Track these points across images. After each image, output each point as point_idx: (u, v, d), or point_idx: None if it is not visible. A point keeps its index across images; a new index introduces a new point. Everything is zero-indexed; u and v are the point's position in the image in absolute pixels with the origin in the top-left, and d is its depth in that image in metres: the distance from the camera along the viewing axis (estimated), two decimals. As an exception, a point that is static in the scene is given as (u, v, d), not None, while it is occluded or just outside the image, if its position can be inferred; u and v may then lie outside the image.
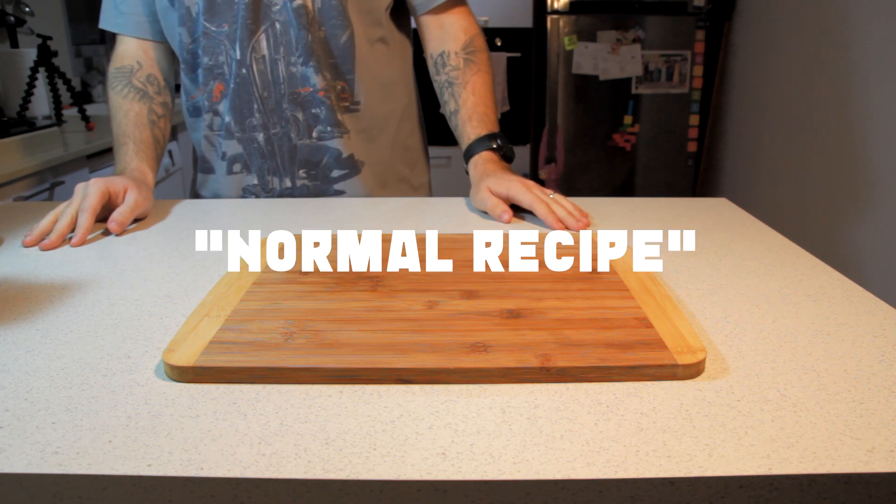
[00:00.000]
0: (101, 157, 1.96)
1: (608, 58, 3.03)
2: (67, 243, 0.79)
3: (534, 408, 0.45)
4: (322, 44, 0.98)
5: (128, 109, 1.00)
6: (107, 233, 0.83)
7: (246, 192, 1.06)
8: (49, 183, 1.70)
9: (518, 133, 3.12)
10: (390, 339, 0.52)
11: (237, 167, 1.04)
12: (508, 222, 0.87)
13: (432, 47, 1.05)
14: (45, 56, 2.05)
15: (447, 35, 1.03)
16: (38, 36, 2.07)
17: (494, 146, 0.97)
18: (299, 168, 1.04)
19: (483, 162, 0.96)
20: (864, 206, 2.09)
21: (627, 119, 3.11)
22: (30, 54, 2.10)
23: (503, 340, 0.52)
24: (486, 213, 0.91)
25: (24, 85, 2.07)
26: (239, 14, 0.95)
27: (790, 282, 0.67)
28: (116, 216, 0.83)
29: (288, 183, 1.05)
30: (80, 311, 0.61)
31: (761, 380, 0.48)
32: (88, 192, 0.82)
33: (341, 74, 1.01)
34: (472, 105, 1.00)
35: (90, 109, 2.54)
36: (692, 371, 0.49)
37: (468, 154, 0.99)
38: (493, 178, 0.90)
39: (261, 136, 1.01)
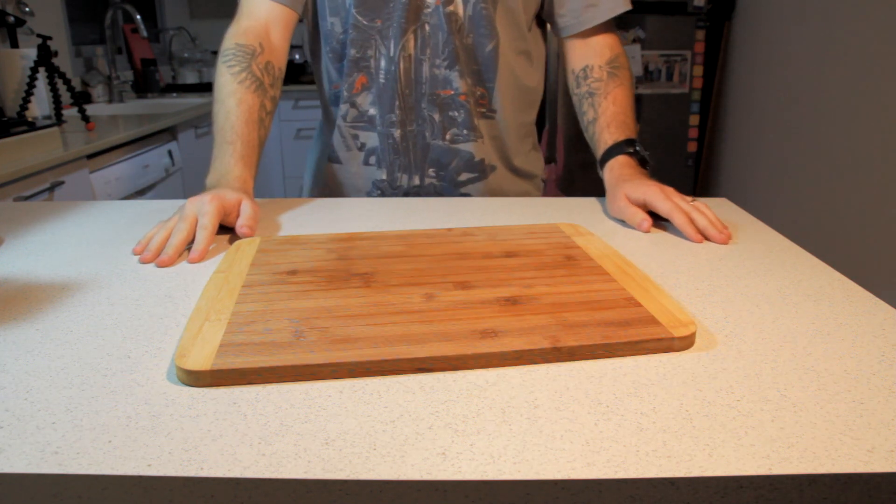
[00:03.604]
0: (101, 157, 1.96)
1: (608, 58, 3.02)
2: (182, 259, 0.75)
3: (534, 408, 0.45)
4: (468, 50, 1.00)
5: (241, 99, 0.92)
6: (233, 240, 0.80)
7: (374, 187, 1.07)
8: (49, 183, 1.70)
9: (518, 133, 3.11)
10: (402, 330, 0.53)
11: (373, 160, 1.06)
12: (647, 231, 0.83)
13: (576, 62, 1.05)
14: (45, 56, 2.06)
15: (592, 51, 1.04)
16: (38, 36, 2.07)
17: (632, 151, 0.95)
18: (430, 167, 1.05)
19: (619, 166, 0.93)
20: (864, 205, 2.09)
21: (627, 119, 3.10)
22: (30, 54, 2.10)
23: (510, 326, 0.54)
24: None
25: (24, 85, 2.07)
26: (395, 12, 0.97)
27: (790, 282, 0.67)
28: (248, 221, 0.80)
29: (417, 181, 1.06)
30: (80, 311, 0.61)
31: (761, 380, 0.48)
32: (206, 210, 0.78)
33: (482, 81, 1.03)
34: (612, 114, 0.99)
35: (90, 109, 2.54)
36: (686, 343, 0.53)
37: (604, 159, 0.96)
38: (629, 184, 0.87)
39: (397, 133, 1.03)
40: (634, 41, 3.01)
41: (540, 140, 1.23)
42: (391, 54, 0.99)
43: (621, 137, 0.97)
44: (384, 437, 0.42)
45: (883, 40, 2.01)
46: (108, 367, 0.51)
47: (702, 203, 0.83)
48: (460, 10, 0.98)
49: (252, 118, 0.92)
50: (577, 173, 3.11)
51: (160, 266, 0.72)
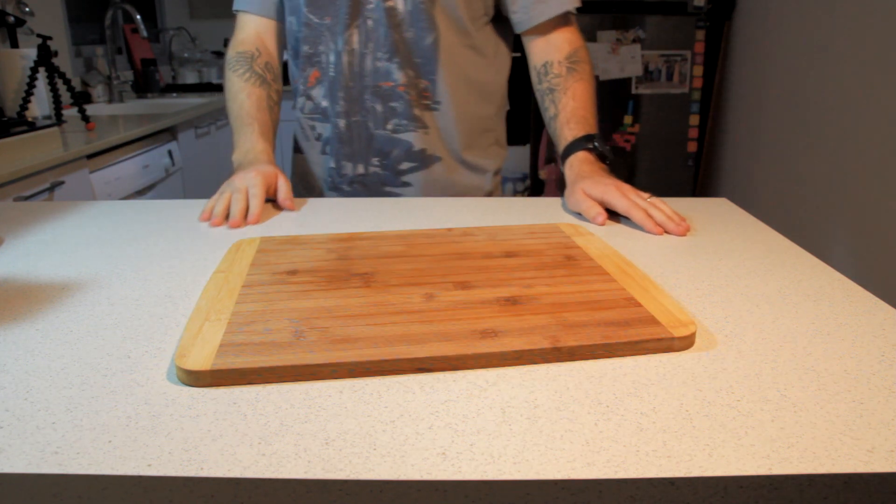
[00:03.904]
0: (101, 157, 1.96)
1: (608, 58, 3.03)
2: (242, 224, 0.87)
3: (534, 408, 0.45)
4: (407, 44, 1.04)
5: (250, 92, 1.06)
6: (276, 209, 0.94)
7: (327, 175, 1.13)
8: (49, 183, 1.70)
9: (518, 133, 3.12)
10: (402, 330, 0.53)
11: (328, 149, 1.12)
12: (602, 224, 0.86)
13: (536, 58, 1.07)
14: (45, 56, 2.06)
15: (551, 46, 1.05)
16: (38, 36, 2.07)
17: (591, 147, 0.97)
18: (373, 156, 1.09)
19: (579, 163, 0.95)
20: (864, 205, 2.10)
21: (627, 119, 3.11)
22: (30, 54, 2.10)
23: (509, 326, 0.54)
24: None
25: (24, 85, 2.07)
26: (341, 9, 1.03)
27: (790, 282, 0.67)
28: (286, 195, 0.94)
29: (361, 169, 1.10)
30: (80, 311, 0.61)
31: (761, 380, 0.48)
32: (254, 181, 0.91)
33: (425, 74, 1.06)
34: (572, 109, 1.01)
35: (90, 109, 2.54)
36: (686, 343, 0.53)
37: (565, 155, 0.99)
38: (588, 181, 0.90)
39: (342, 123, 1.08)
40: (634, 41, 3.01)
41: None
42: (338, 49, 1.04)
43: (581, 133, 0.98)
44: (384, 437, 0.42)
45: (883, 40, 2.01)
46: (108, 367, 0.51)
47: (658, 199, 0.87)
48: (399, 5, 1.01)
49: (262, 105, 1.06)
50: (577, 173, 3.11)
51: (232, 227, 0.86)
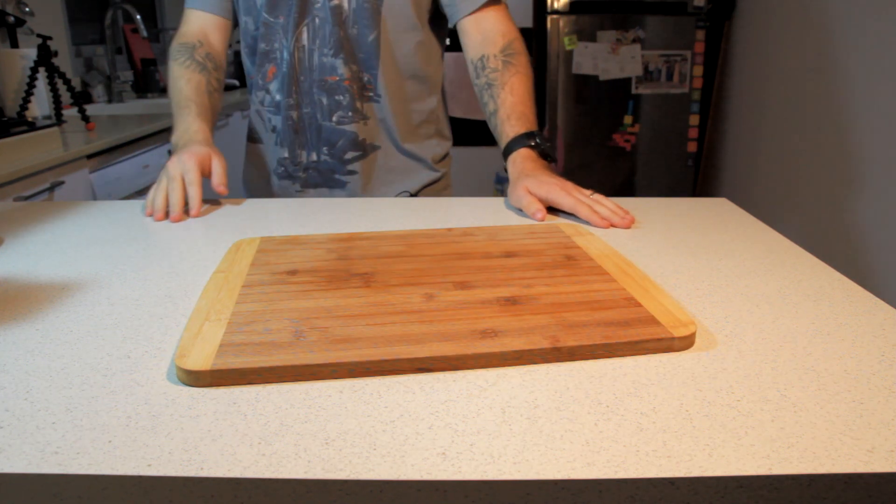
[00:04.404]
0: (101, 157, 1.96)
1: (608, 58, 3.03)
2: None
3: (534, 408, 0.45)
4: (352, 40, 1.08)
5: (189, 78, 1.09)
6: (214, 205, 0.94)
7: (278, 164, 1.17)
8: (49, 183, 1.70)
9: (518, 133, 3.11)
10: (402, 330, 0.53)
11: (279, 139, 1.16)
12: (542, 220, 0.86)
13: (472, 52, 1.08)
14: (45, 56, 2.06)
15: (486, 40, 1.07)
16: (38, 36, 2.07)
17: (532, 144, 0.98)
18: (323, 146, 1.14)
19: (521, 160, 0.96)
20: (864, 205, 2.09)
21: (627, 119, 3.11)
22: (30, 54, 2.10)
23: (509, 326, 0.54)
24: (476, 210, 0.90)
25: (24, 85, 2.07)
26: (291, 7, 1.07)
27: (790, 282, 0.67)
28: (219, 180, 0.95)
29: (314, 157, 1.14)
30: (80, 311, 0.61)
31: (761, 380, 0.48)
32: (188, 167, 0.92)
33: (367, 68, 1.10)
34: (511, 105, 1.02)
35: (90, 109, 2.54)
36: (686, 343, 0.53)
37: (506, 152, 1.00)
38: (532, 179, 0.91)
39: (294, 114, 1.13)
40: (634, 41, 3.01)
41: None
42: (288, 45, 1.09)
43: (522, 130, 0.99)
44: (384, 437, 0.42)
45: (883, 40, 2.01)
46: (108, 367, 0.51)
47: (601, 195, 0.89)
48: (345, 4, 1.06)
49: (201, 89, 1.10)
50: (577, 173, 3.11)
51: (173, 222, 0.87)
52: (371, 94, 1.12)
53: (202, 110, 1.07)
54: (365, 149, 1.14)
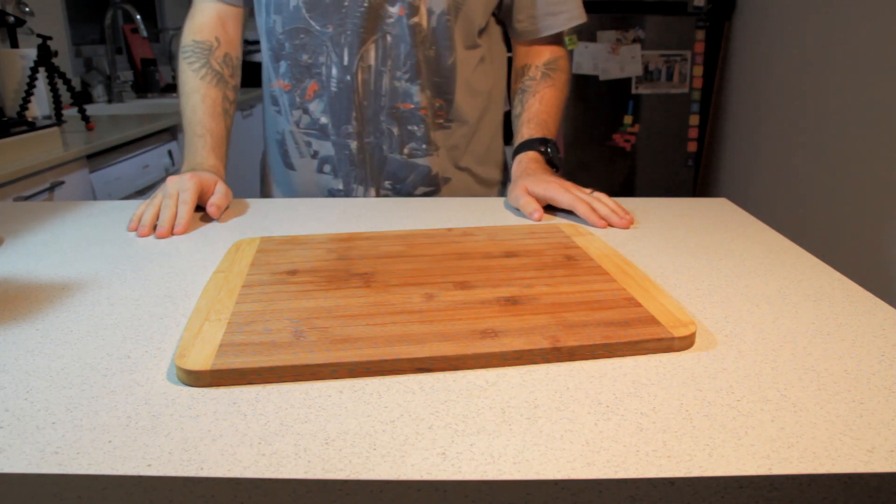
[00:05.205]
0: (101, 157, 1.96)
1: (608, 58, 3.03)
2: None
3: (534, 408, 0.45)
4: (430, 63, 0.98)
5: (205, 94, 1.00)
6: (205, 219, 0.88)
7: (330, 195, 1.06)
8: (49, 183, 1.70)
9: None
10: (402, 330, 0.53)
11: (327, 168, 1.04)
12: (539, 220, 0.86)
13: (518, 61, 1.09)
14: (45, 56, 2.06)
15: (534, 52, 1.07)
16: (38, 36, 2.07)
17: (543, 149, 0.97)
18: (385, 179, 1.03)
19: (526, 161, 0.96)
20: (864, 205, 2.09)
21: (627, 119, 3.11)
22: (30, 54, 2.10)
23: (509, 326, 0.54)
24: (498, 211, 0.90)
25: (24, 85, 2.07)
26: (350, 19, 0.94)
27: (790, 282, 0.67)
28: (215, 201, 0.88)
29: (372, 192, 1.04)
30: (80, 311, 0.61)
31: (761, 380, 0.48)
32: (185, 186, 0.87)
33: (443, 94, 1.01)
34: (536, 111, 1.02)
35: (90, 109, 2.54)
36: (686, 343, 0.53)
37: (517, 151, 0.99)
38: (531, 178, 0.91)
39: (353, 144, 1.01)
40: (634, 41, 3.01)
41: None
42: (345, 63, 0.96)
43: (537, 134, 0.99)
44: (384, 437, 0.42)
45: (883, 40, 2.01)
46: (108, 367, 0.51)
47: (601, 193, 0.88)
48: (424, 22, 0.95)
49: (217, 111, 1.00)
50: (577, 173, 3.11)
51: (159, 238, 0.81)
52: (442, 120, 1.02)
53: (217, 142, 0.99)
54: (438, 183, 1.05)
